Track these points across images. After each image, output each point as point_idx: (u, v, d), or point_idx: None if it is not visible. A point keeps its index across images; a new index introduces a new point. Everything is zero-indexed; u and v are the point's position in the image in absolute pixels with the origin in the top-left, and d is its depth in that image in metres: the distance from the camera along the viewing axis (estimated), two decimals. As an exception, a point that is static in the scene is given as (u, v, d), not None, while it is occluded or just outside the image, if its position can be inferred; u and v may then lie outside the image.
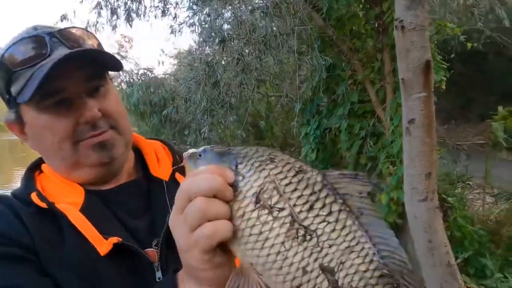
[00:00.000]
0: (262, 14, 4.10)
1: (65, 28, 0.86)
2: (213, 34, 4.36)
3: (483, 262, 3.95)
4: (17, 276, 0.74)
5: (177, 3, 5.51)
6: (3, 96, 0.85)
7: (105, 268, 0.79)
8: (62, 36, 0.83)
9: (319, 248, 0.54)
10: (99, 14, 5.44)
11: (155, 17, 5.91)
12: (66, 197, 0.85)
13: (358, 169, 4.75)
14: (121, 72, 9.28)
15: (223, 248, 0.58)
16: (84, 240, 0.79)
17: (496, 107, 4.34)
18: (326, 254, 0.53)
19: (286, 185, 0.56)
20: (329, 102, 4.94)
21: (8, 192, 0.90)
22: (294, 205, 0.55)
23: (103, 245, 0.79)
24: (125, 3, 5.57)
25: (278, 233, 0.54)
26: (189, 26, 5.75)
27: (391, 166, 4.07)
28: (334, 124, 4.84)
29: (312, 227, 0.54)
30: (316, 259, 0.53)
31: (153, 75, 8.78)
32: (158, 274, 0.83)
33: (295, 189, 0.56)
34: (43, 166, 0.91)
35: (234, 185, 0.58)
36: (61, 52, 0.79)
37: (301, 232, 0.54)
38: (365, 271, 0.54)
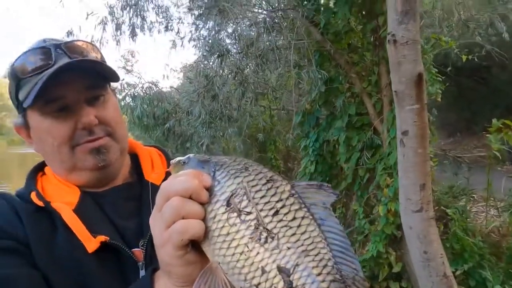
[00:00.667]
0: (261, 29, 4.20)
1: (71, 41, 0.93)
2: (212, 48, 4.47)
3: (483, 275, 3.91)
4: (10, 267, 0.79)
5: (180, 18, 5.67)
6: (13, 101, 0.93)
7: (91, 264, 0.83)
8: (66, 48, 0.90)
9: (278, 250, 0.57)
10: (104, 29, 5.59)
11: (159, 32, 6.07)
12: (62, 197, 0.90)
13: (356, 181, 4.76)
14: (126, 86, 9.45)
15: (197, 247, 0.62)
16: (74, 237, 0.84)
17: (501, 119, 4.34)
18: (284, 256, 0.57)
19: (256, 191, 0.60)
20: (328, 115, 4.98)
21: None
22: (261, 209, 0.59)
23: (91, 243, 0.83)
24: (130, 19, 5.73)
25: (243, 235, 0.58)
26: (189, 41, 5.91)
27: (388, 177, 4.08)
28: (332, 136, 4.87)
29: (275, 231, 0.58)
30: (274, 260, 0.57)
31: (157, 88, 8.91)
32: (142, 273, 0.87)
33: (264, 196, 0.60)
34: (46, 169, 0.98)
35: (210, 190, 0.62)
36: (63, 62, 0.86)
37: (264, 234, 0.57)
38: (318, 275, 0.56)
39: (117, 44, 5.76)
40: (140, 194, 0.97)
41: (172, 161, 0.70)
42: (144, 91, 8.88)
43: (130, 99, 9.09)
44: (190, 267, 0.63)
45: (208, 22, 4.70)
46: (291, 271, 0.56)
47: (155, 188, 0.95)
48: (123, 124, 0.98)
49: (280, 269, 0.56)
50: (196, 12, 4.74)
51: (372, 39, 4.51)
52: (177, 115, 6.73)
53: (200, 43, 5.67)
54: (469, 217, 5.24)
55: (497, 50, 5.54)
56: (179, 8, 5.23)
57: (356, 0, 4.34)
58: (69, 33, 5.45)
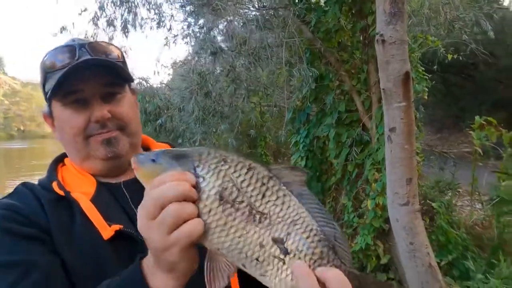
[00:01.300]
0: (254, 27, 4.27)
1: (95, 41, 1.02)
2: (205, 46, 4.54)
3: (466, 265, 4.07)
4: (33, 253, 0.85)
5: (172, 16, 5.70)
6: (43, 93, 1.01)
7: (107, 251, 0.89)
8: (90, 47, 0.98)
9: (271, 226, 0.66)
10: (96, 25, 5.60)
11: (151, 28, 6.09)
12: (80, 187, 0.97)
13: (345, 176, 4.89)
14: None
15: None
16: (91, 226, 0.90)
17: (488, 115, 4.50)
18: (277, 230, 0.66)
19: (242, 181, 0.67)
20: (318, 111, 5.09)
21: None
22: (250, 196, 0.67)
23: (107, 231, 0.90)
24: (122, 15, 5.75)
25: (240, 221, 0.66)
26: (183, 38, 5.94)
27: (377, 172, 4.21)
28: (322, 132, 4.99)
29: (266, 211, 0.67)
30: (269, 235, 0.66)
31: (148, 84, 8.92)
32: None
33: (249, 184, 0.68)
34: (66, 160, 1.06)
35: (196, 186, 0.67)
36: (85, 59, 0.95)
37: (257, 216, 0.66)
38: (307, 238, 0.67)
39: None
40: None
41: (138, 160, 0.71)
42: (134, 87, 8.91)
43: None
44: (193, 261, 0.70)
45: (200, 19, 4.76)
46: (284, 240, 0.66)
47: None
48: (136, 121, 1.06)
49: (275, 240, 0.66)
50: (189, 9, 4.79)
51: (361, 38, 4.62)
52: (169, 111, 6.78)
53: (193, 40, 5.72)
54: (455, 211, 5.40)
55: (481, 50, 5.69)
56: (171, 5, 5.28)
57: (346, 0, 4.43)
58: (63, 29, 5.45)
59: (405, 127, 2.89)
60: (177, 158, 0.70)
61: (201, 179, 0.67)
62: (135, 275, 0.75)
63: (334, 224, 0.71)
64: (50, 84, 0.96)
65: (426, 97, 4.27)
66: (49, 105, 1.01)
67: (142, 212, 0.67)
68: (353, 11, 4.63)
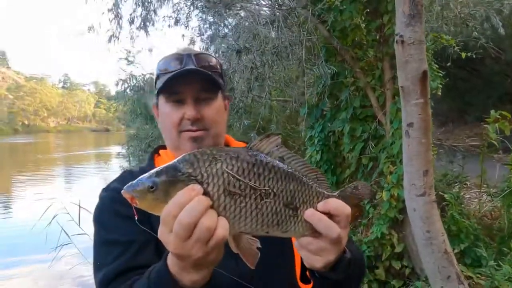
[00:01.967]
0: (274, 27, 4.44)
1: (200, 53, 1.21)
2: (229, 45, 4.71)
3: (478, 253, 4.25)
4: (134, 233, 1.00)
5: (197, 15, 5.85)
6: (154, 87, 1.23)
7: None
8: (195, 57, 1.17)
9: (277, 196, 0.79)
10: (119, 24, 5.78)
11: (169, 26, 6.27)
12: None
13: (359, 169, 5.07)
14: (129, 78, 9.67)
15: None
16: None
17: (493, 109, 4.65)
18: (283, 196, 0.79)
19: (237, 171, 0.75)
20: (333, 107, 5.26)
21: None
22: (250, 180, 0.76)
23: None
24: (141, 14, 5.93)
25: (252, 203, 0.76)
26: (199, 36, 6.11)
27: (391, 165, 4.38)
28: (337, 127, 5.15)
29: (267, 186, 0.78)
30: (280, 202, 0.79)
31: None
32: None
33: (243, 170, 0.76)
34: (161, 151, 1.27)
35: (204, 193, 0.73)
36: (189, 67, 1.15)
37: (263, 193, 0.77)
38: (304, 191, 0.83)
39: (131, 39, 5.97)
40: None
41: (134, 195, 0.76)
42: (144, 82, 9.18)
43: (131, 91, 9.35)
44: (221, 252, 0.78)
45: (225, 20, 4.93)
46: (292, 201, 0.81)
47: None
48: (221, 124, 1.22)
49: (285, 204, 0.80)
50: (212, 11, 4.97)
51: (377, 37, 4.78)
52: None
53: (208, 39, 5.89)
54: (463, 203, 5.57)
55: (492, 46, 5.81)
56: (193, 5, 5.44)
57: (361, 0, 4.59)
58: (90, 28, 5.64)
59: (422, 123, 3.03)
60: (171, 176, 0.74)
61: (205, 185, 0.73)
62: (164, 276, 0.83)
63: (313, 168, 0.89)
64: (160, 83, 1.17)
65: (440, 93, 4.44)
66: (157, 98, 1.23)
67: (175, 240, 0.73)
68: (368, 10, 4.79)
